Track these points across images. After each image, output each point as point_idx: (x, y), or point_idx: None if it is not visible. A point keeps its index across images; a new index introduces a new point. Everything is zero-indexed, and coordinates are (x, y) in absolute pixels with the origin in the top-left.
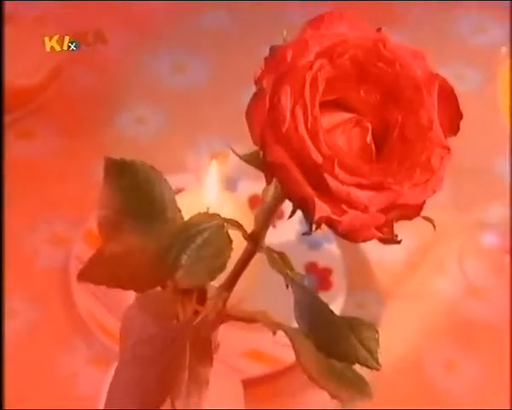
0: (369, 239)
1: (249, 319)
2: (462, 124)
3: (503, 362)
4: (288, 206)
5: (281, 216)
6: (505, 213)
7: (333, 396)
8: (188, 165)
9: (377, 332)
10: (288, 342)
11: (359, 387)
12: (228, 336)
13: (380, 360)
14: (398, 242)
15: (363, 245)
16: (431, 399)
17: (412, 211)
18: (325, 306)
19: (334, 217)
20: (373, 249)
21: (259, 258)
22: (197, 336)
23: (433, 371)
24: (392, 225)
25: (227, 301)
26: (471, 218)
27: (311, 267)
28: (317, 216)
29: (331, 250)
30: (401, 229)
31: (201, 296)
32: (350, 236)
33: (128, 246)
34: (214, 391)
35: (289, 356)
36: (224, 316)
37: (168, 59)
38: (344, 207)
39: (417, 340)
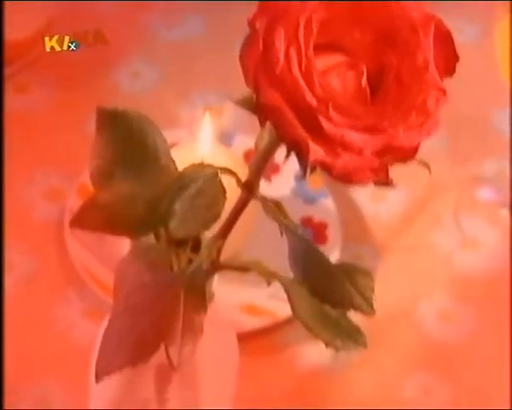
0: (364, 182)
1: (244, 269)
2: (460, 76)
3: (497, 314)
4: (282, 160)
5: (276, 170)
6: (501, 167)
7: (328, 345)
8: (182, 120)
9: (372, 279)
10: (283, 296)
11: (354, 336)
12: (223, 291)
13: (374, 307)
14: (393, 185)
15: (358, 199)
16: (427, 350)
17: (407, 154)
18: (320, 253)
19: (328, 160)
20: (368, 203)
21: (254, 207)
22: (191, 283)
23: (429, 324)
24: (388, 169)
25: (221, 249)
26: (467, 172)
27: (307, 222)
28: (311, 159)
29: (326, 205)
30: (397, 182)
31: (196, 246)
32: (344, 179)
33: (121, 194)
34: (209, 343)
35: (284, 310)
36: (218, 265)
37: (163, 12)
38: (338, 149)
39: (413, 293)
